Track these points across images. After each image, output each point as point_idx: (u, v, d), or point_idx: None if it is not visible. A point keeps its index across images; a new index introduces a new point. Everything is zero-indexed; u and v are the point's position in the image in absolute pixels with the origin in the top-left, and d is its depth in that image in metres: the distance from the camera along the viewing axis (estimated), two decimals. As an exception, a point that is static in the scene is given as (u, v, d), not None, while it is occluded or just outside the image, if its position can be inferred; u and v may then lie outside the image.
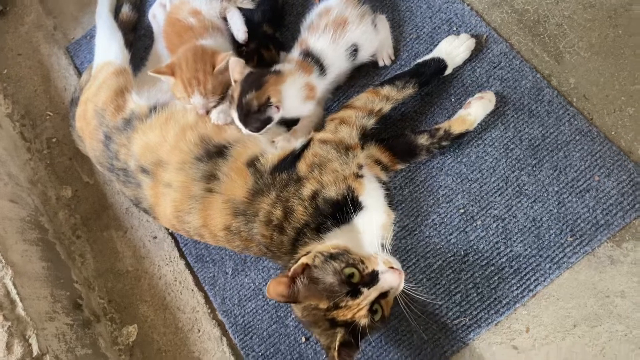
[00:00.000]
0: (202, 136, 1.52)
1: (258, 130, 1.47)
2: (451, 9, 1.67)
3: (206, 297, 1.67)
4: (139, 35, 2.01)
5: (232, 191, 1.45)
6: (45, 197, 1.88)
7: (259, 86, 1.45)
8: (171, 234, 1.76)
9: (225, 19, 1.77)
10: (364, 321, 1.27)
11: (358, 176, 1.43)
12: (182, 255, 1.72)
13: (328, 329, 1.30)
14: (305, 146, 1.48)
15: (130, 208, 1.81)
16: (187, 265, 1.71)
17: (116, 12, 2.03)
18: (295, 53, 1.58)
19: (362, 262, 1.29)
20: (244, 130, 1.48)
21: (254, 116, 1.45)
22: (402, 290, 1.30)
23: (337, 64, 1.57)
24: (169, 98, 1.64)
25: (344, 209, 1.38)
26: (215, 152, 1.50)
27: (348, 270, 1.27)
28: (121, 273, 1.75)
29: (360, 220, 1.40)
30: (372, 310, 1.28)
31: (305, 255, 1.34)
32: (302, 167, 1.45)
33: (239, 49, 1.76)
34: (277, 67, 1.54)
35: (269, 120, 1.46)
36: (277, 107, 1.46)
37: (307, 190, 1.41)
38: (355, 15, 1.56)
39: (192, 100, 1.52)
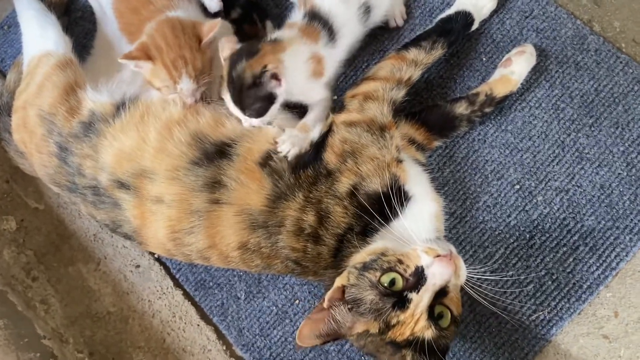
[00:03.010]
0: (195, 133, 1.20)
1: (260, 114, 1.15)
2: (464, -45, 1.44)
3: (217, 331, 1.35)
4: (74, 19, 1.62)
5: (246, 199, 1.15)
6: (-20, 234, 1.47)
7: (253, 54, 1.13)
8: (158, 259, 1.41)
9: (192, -14, 1.44)
10: (428, 334, 1.01)
11: (399, 161, 1.18)
12: (178, 284, 1.39)
13: (393, 355, 1.04)
14: (326, 134, 1.20)
15: (99, 234, 1.44)
16: (186, 295, 1.38)
17: (40, -8, 1.62)
18: (297, 16, 1.27)
19: (401, 262, 1.02)
20: (244, 121, 1.17)
21: (250, 92, 1.12)
22: (467, 278, 1.06)
23: (349, 27, 1.27)
24: (139, 89, 1.30)
25: (390, 203, 1.12)
26: (216, 152, 1.18)
27: (386, 278, 1.01)
28: (101, 316, 1.39)
29: (410, 214, 1.14)
30: (435, 317, 1.03)
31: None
32: (330, 157, 1.17)
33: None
34: (274, 34, 1.22)
35: (271, 97, 1.14)
36: (278, 79, 1.13)
37: (343, 185, 1.14)
38: (365, -33, 1.29)
39: (179, 86, 1.19)
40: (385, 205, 1.12)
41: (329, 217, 1.13)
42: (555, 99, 1.32)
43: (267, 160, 1.17)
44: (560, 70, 1.33)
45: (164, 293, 1.38)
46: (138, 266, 1.41)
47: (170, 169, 1.18)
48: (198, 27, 1.23)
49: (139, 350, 1.36)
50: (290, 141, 1.17)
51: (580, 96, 1.31)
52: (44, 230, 1.48)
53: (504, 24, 1.37)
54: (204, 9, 1.42)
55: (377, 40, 1.41)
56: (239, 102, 1.14)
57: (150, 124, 1.23)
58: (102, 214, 1.27)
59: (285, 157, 1.17)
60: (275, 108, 1.16)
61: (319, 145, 1.19)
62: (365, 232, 1.12)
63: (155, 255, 1.41)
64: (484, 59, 1.37)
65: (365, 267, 1.04)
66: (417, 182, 1.19)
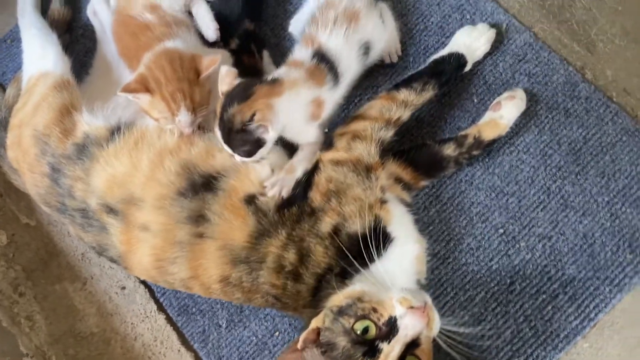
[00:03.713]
0: (185, 163, 1.21)
1: (249, 155, 1.15)
2: (462, -7, 1.45)
3: (197, 358, 1.36)
4: (75, 36, 1.64)
5: (229, 235, 1.16)
6: (-29, 248, 1.49)
7: (245, 98, 1.13)
8: (143, 282, 1.43)
9: (191, 14, 1.45)
10: (397, 386, 1.02)
11: (383, 201, 1.18)
12: (161, 308, 1.40)
13: None
14: (313, 171, 1.21)
15: (87, 253, 1.46)
16: (169, 320, 1.39)
17: (43, 8, 1.64)
18: (303, 54, 1.25)
19: (375, 310, 1.01)
20: (235, 156, 1.18)
21: (238, 136, 1.13)
22: (441, 329, 1.07)
23: (352, 69, 1.28)
24: (134, 114, 1.31)
25: (371, 245, 1.13)
26: (202, 185, 1.19)
27: (360, 325, 1.00)
28: (84, 336, 1.41)
29: (391, 256, 1.15)
30: (405, 369, 1.03)
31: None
32: (315, 196, 1.18)
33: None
34: (278, 72, 1.22)
35: (259, 142, 1.14)
36: (265, 127, 1.13)
37: (325, 225, 1.15)
38: (366, 7, 1.29)
39: (177, 118, 1.20)
40: (366, 247, 1.12)
41: (310, 256, 1.13)
42: (543, 144, 1.32)
43: (252, 199, 1.18)
44: (550, 116, 1.33)
45: (147, 316, 1.40)
46: (124, 288, 1.43)
47: (158, 197, 1.20)
48: (197, 60, 1.24)
49: (120, 372, 1.38)
50: (279, 185, 1.18)
51: (568, 143, 1.32)
52: (34, 247, 1.50)
53: (497, 67, 1.38)
54: (203, 38, 1.44)
55: (371, 76, 1.41)
56: (228, 142, 1.14)
57: (144, 151, 1.24)
58: (89, 236, 1.29)
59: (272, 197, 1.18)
60: (264, 150, 1.16)
61: (305, 183, 1.20)
62: (345, 274, 1.13)
63: (141, 278, 1.42)
64: (476, 100, 1.37)
65: (341, 311, 1.03)
66: (400, 223, 1.19)
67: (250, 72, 1.38)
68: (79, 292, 1.44)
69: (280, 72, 1.21)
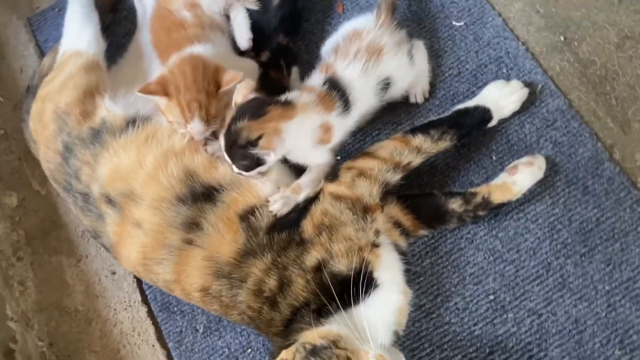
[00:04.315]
0: (188, 170, 1.22)
1: (247, 169, 1.16)
2: (503, 45, 1.40)
3: (169, 357, 1.37)
4: (119, 18, 1.67)
5: (218, 247, 1.16)
6: (-17, 204, 1.54)
7: (257, 115, 1.14)
8: (134, 271, 1.45)
9: (228, 18, 1.46)
10: None
11: (374, 245, 1.16)
12: (145, 300, 1.42)
13: None
14: (313, 199, 1.20)
15: (86, 232, 1.49)
16: (150, 313, 1.41)
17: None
18: (317, 80, 1.26)
19: None
20: (234, 167, 1.18)
21: (240, 151, 1.13)
22: None
23: (365, 101, 1.27)
24: (153, 110, 1.32)
25: (353, 288, 1.11)
26: (202, 195, 1.20)
27: None
28: (69, 312, 1.44)
29: (372, 303, 1.13)
30: None
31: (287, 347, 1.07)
32: (307, 226, 1.17)
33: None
34: (291, 95, 1.22)
35: (259, 161, 1.15)
36: (268, 152, 1.14)
37: (311, 258, 1.14)
38: (392, 44, 1.27)
39: (189, 126, 1.21)
40: (349, 289, 1.11)
41: (290, 286, 1.13)
42: (553, 218, 1.27)
43: (247, 215, 1.18)
44: (567, 190, 1.28)
45: (130, 306, 1.42)
46: (114, 273, 1.45)
47: (156, 198, 1.21)
48: (220, 73, 1.24)
49: (94, 354, 1.40)
50: (282, 201, 1.17)
51: (580, 222, 1.26)
52: (40, 215, 1.54)
53: (523, 128, 1.34)
54: (236, 45, 1.44)
55: (394, 112, 1.39)
56: (229, 154, 1.15)
57: (152, 149, 1.25)
58: (87, 220, 1.31)
59: (267, 216, 1.18)
60: (262, 169, 1.16)
61: (301, 211, 1.20)
62: (321, 312, 1.12)
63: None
64: (494, 157, 1.33)
65: (314, 352, 1.02)
66: (388, 270, 1.17)
67: (275, 87, 1.38)
68: (72, 267, 1.48)
69: (294, 95, 1.21)
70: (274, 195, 1.19)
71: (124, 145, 1.27)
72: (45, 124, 1.36)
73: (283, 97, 1.21)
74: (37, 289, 1.48)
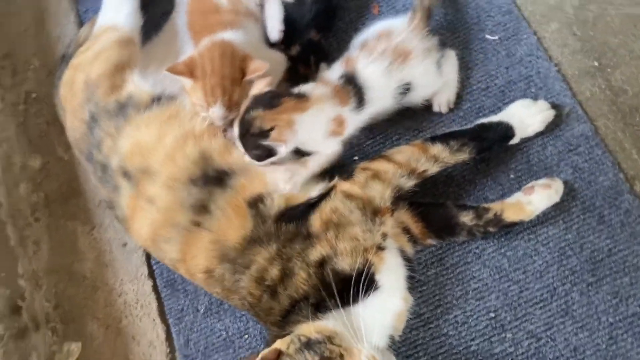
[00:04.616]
0: (204, 153, 1.24)
1: (258, 159, 1.17)
2: (535, 64, 1.38)
3: (168, 332, 1.40)
4: (158, -4, 1.69)
5: (225, 232, 1.18)
6: (8, 162, 1.58)
7: (271, 106, 1.15)
8: (145, 245, 1.48)
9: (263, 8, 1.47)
10: None
11: (380, 248, 1.17)
12: (152, 274, 1.45)
13: None
14: (325, 195, 1.21)
15: (104, 202, 1.52)
16: (155, 288, 1.44)
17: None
18: (335, 74, 1.27)
19: (342, 357, 1.02)
20: (246, 156, 1.19)
21: (253, 139, 1.15)
22: None
23: (381, 101, 1.27)
24: (179, 90, 1.34)
25: (354, 287, 1.11)
26: (214, 179, 1.21)
27: None
28: (77, 277, 1.48)
29: (371, 304, 1.13)
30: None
31: (283, 337, 1.08)
32: (315, 221, 1.17)
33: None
34: (305, 87, 1.23)
35: (270, 151, 1.17)
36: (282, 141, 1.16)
37: (315, 253, 1.14)
38: (421, 50, 1.27)
39: (211, 110, 1.23)
40: (349, 287, 1.12)
41: (291, 278, 1.14)
42: (565, 243, 1.26)
43: (257, 202, 1.19)
44: (582, 217, 1.27)
45: (137, 278, 1.45)
46: (125, 244, 1.48)
47: (171, 177, 1.23)
48: (247, 61, 1.24)
49: (96, 320, 1.43)
50: (289, 174, 1.19)
51: (591, 250, 1.25)
52: (61, 179, 1.57)
53: (545, 149, 1.32)
54: (267, 36, 1.45)
55: (416, 118, 1.39)
56: (242, 142, 1.16)
57: (172, 128, 1.27)
58: (104, 191, 1.34)
59: (277, 205, 1.19)
60: (274, 159, 1.17)
61: (311, 205, 1.20)
62: (319, 307, 1.12)
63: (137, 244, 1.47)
64: (512, 175, 1.32)
65: (309, 344, 1.03)
66: (391, 274, 1.17)
67: (302, 81, 1.38)
68: (86, 234, 1.51)
69: (308, 87, 1.22)
70: (281, 167, 1.20)
71: (146, 121, 1.29)
72: (74, 92, 1.39)
73: (297, 89, 1.22)
74: (50, 251, 1.52)
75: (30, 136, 1.64)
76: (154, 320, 1.42)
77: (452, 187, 1.34)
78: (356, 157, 1.39)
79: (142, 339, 1.41)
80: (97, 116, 1.33)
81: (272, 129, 1.11)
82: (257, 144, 1.13)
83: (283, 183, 1.19)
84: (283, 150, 1.15)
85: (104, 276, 1.47)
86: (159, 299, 1.43)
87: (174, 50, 1.53)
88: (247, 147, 1.15)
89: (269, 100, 1.15)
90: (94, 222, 1.52)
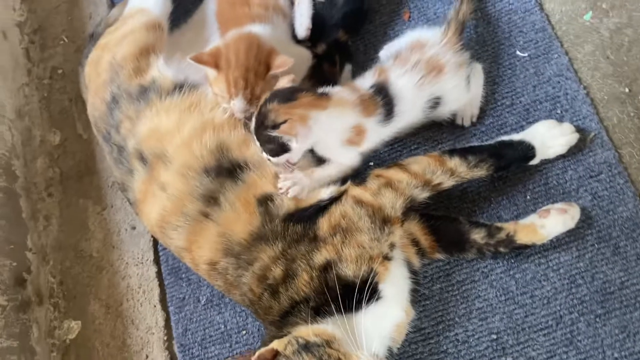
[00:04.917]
0: (221, 144, 1.23)
1: (273, 154, 1.14)
2: (563, 85, 1.35)
3: (167, 320, 1.41)
4: (191, -16, 1.69)
5: (232, 226, 1.17)
6: (28, 136, 1.60)
7: (286, 99, 1.13)
8: (153, 230, 1.49)
9: (293, 3, 1.46)
10: None
11: (386, 258, 1.15)
12: (157, 260, 1.45)
13: None
14: (336, 199, 1.20)
15: (117, 184, 1.53)
16: (159, 274, 1.44)
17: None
18: (367, 83, 1.24)
19: None
20: (263, 153, 1.17)
21: (266, 133, 1.12)
22: None
23: (410, 114, 1.24)
24: (202, 79, 1.34)
25: (357, 295, 1.10)
26: (227, 170, 1.21)
27: None
28: (84, 255, 1.49)
29: (372, 313, 1.12)
30: None
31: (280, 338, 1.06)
32: (323, 224, 1.16)
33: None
34: (330, 89, 1.20)
35: (284, 146, 1.13)
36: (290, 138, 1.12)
37: (320, 256, 1.13)
38: (454, 64, 1.24)
39: (232, 102, 1.22)
40: (351, 294, 1.10)
41: (294, 279, 1.13)
42: (576, 271, 1.23)
43: (266, 200, 1.18)
44: (596, 246, 1.23)
45: (142, 262, 1.45)
46: (134, 228, 1.49)
47: (184, 165, 1.23)
48: (272, 56, 1.24)
49: (98, 301, 1.44)
50: (292, 181, 1.16)
51: (603, 282, 1.21)
52: (78, 157, 1.59)
53: (566, 173, 1.29)
54: (294, 32, 1.44)
55: (437, 130, 1.37)
56: (257, 135, 1.15)
57: (192, 117, 1.27)
58: (118, 172, 1.34)
59: (286, 206, 1.18)
60: (292, 156, 1.15)
61: (322, 208, 1.19)
62: (319, 310, 1.11)
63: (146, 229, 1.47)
64: (528, 197, 1.29)
65: (307, 347, 1.02)
66: (394, 285, 1.15)
67: (326, 80, 1.37)
68: (96, 214, 1.52)
69: (333, 89, 1.20)
70: (286, 174, 1.18)
71: (167, 108, 1.29)
72: (99, 72, 1.39)
73: (321, 89, 1.20)
74: (59, 227, 1.53)
75: (52, 111, 1.65)
76: (154, 306, 1.42)
77: (466, 202, 1.32)
78: (371, 163, 1.37)
79: (141, 323, 1.41)
80: (118, 98, 1.33)
81: (284, 121, 1.10)
82: (270, 138, 1.12)
83: (284, 191, 1.17)
84: (295, 146, 1.12)
85: (110, 257, 1.48)
86: (161, 285, 1.44)
87: (201, 40, 1.52)
88: (262, 141, 1.14)
89: (286, 94, 1.13)
90: (105, 202, 1.53)
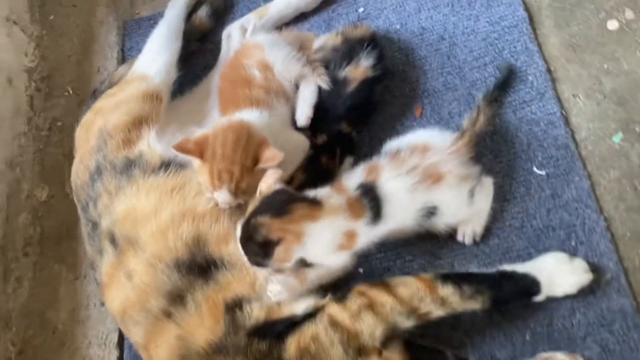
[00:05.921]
0: (199, 236, 1.15)
1: (257, 265, 1.06)
2: (581, 213, 1.21)
3: (120, 413, 1.30)
4: (204, 49, 1.63)
5: (193, 331, 1.08)
6: (16, 188, 1.53)
7: (281, 213, 1.04)
8: (123, 309, 1.39)
9: (298, 88, 1.38)
10: None
11: (355, 395, 1.02)
12: (121, 344, 1.34)
13: None
14: (310, 315, 1.08)
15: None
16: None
17: (195, 9, 1.66)
18: (353, 182, 1.14)
19: None
20: (244, 258, 1.08)
21: (254, 247, 1.04)
22: None
23: (399, 219, 1.13)
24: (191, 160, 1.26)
25: None
26: (199, 267, 1.12)
27: None
28: (49, 326, 1.39)
29: None
30: None
31: None
32: (291, 345, 1.05)
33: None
34: (321, 193, 1.11)
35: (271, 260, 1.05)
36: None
37: (283, 384, 1.02)
38: (456, 176, 1.13)
39: (215, 194, 1.14)
40: None
41: (250, 406, 1.02)
42: None
43: (235, 307, 1.08)
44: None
45: (105, 344, 1.35)
46: (103, 304, 1.40)
47: (155, 255, 1.15)
48: (262, 148, 1.15)
49: (54, 380, 1.35)
50: (282, 286, 1.08)
51: None
52: (61, 218, 1.51)
53: (573, 316, 1.14)
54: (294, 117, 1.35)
55: (436, 244, 1.24)
56: (244, 247, 1.05)
57: (173, 202, 1.19)
58: (89, 248, 1.28)
59: (255, 317, 1.08)
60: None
61: (293, 324, 1.08)
62: None
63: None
64: (528, 337, 1.14)
65: None
66: None
67: (323, 173, 1.28)
68: (68, 282, 1.44)
69: (324, 193, 1.10)
70: (275, 276, 1.09)
71: (148, 187, 1.22)
72: (89, 137, 1.34)
73: (312, 194, 1.10)
74: (30, 291, 1.45)
75: (44, 165, 1.60)
76: (109, 396, 1.32)
77: (459, 333, 1.17)
78: (361, 270, 1.25)
79: (94, 412, 1.31)
80: (102, 168, 1.27)
81: (279, 241, 1.00)
82: (258, 252, 1.03)
83: (272, 295, 1.08)
84: (285, 265, 1.04)
85: (74, 332, 1.38)
86: (121, 374, 1.33)
87: (202, 112, 1.47)
88: (247, 252, 1.04)
89: (279, 206, 1.04)
90: (80, 271, 1.45)
